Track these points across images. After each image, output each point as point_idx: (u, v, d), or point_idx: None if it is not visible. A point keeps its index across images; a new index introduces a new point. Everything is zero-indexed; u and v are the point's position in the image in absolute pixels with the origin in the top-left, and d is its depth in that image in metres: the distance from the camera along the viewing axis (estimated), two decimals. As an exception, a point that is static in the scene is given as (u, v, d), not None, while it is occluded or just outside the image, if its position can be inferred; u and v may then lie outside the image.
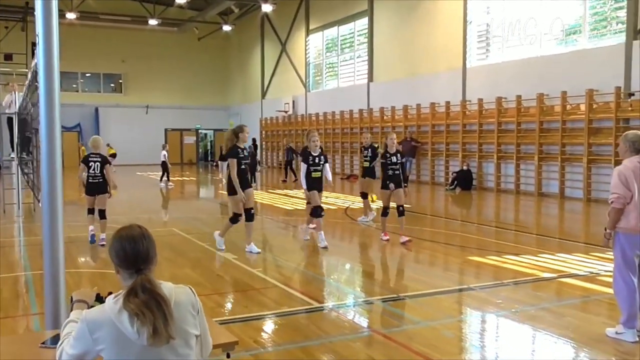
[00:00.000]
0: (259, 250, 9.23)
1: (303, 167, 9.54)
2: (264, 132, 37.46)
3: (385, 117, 25.67)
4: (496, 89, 19.94)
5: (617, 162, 5.31)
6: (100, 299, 2.71)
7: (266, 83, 37.84)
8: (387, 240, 9.98)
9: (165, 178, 23.28)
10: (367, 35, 27.35)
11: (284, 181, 23.93)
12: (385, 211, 9.96)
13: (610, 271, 6.69)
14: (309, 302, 6.53)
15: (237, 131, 8.90)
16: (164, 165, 23.41)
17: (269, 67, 37.29)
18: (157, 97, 40.28)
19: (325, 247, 9.44)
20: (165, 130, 40.63)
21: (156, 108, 40.21)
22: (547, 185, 18.46)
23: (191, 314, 2.43)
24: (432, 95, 22.71)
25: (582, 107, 17.03)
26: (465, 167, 20.63)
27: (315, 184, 9.62)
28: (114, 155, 33.36)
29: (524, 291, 6.96)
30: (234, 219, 9.10)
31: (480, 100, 20.52)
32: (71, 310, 2.67)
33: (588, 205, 16.08)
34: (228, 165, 8.86)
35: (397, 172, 9.81)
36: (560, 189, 17.73)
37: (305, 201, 11.55)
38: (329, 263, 8.87)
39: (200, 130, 42.61)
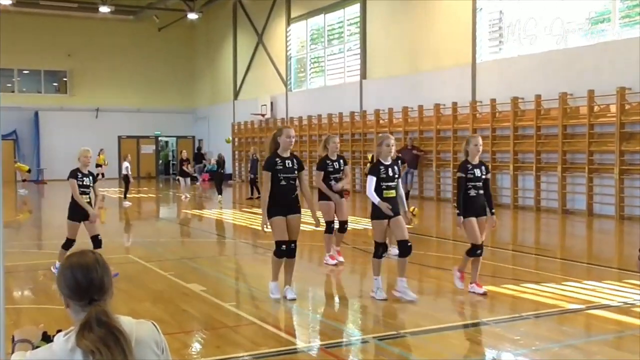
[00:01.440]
0: (295, 296, 8.19)
1: (371, 181, 8.05)
2: (236, 139, 37.47)
3: (381, 121, 25.81)
4: (511, 87, 20.17)
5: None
6: (47, 338, 2.72)
7: (239, 81, 37.94)
8: (485, 294, 8.33)
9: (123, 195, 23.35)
10: (359, 24, 27.55)
11: (250, 198, 24.03)
12: (475, 250, 8.40)
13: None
14: (291, 342, 6.55)
15: (277, 135, 8.11)
16: (126, 180, 23.46)
17: (242, 63, 37.42)
18: (109, 98, 40.26)
19: (412, 300, 8.00)
20: (119, 137, 40.57)
21: (108, 111, 40.15)
22: (572, 201, 18.64)
23: (154, 352, 2.46)
24: (436, 96, 22.92)
25: (613, 109, 17.27)
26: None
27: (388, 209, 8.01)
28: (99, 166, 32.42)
29: (546, 325, 7.03)
30: (277, 250, 8.12)
31: (493, 101, 20.74)
32: (12, 352, 2.69)
33: (621, 224, 16.25)
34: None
35: (481, 191, 8.36)
36: (588, 205, 17.92)
37: (324, 230, 10.50)
38: (315, 295, 8.89)
39: (160, 138, 42.59)
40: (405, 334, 6.75)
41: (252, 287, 9.37)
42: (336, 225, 10.58)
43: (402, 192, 8.28)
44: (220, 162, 24.37)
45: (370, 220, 8.22)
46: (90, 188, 9.53)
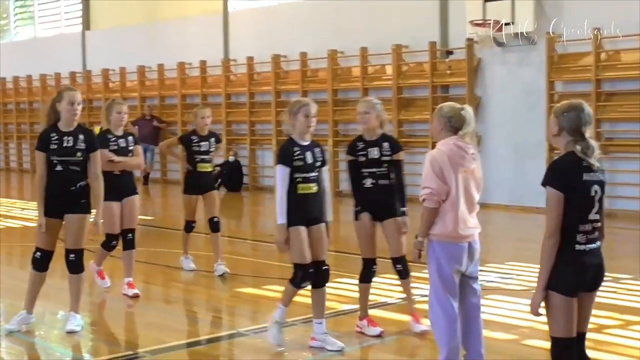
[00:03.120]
0: (76, 327, 7.41)
1: (281, 174, 6.66)
2: None
3: (110, 84, 25.38)
4: (272, 43, 20.65)
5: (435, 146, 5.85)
6: None
7: None
8: (381, 334, 7.15)
9: None
10: (78, -42, 26.79)
11: None
12: (370, 268, 7.30)
13: (427, 295, 7.36)
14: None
15: (55, 101, 7.26)
16: None
17: None
18: None
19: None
20: None
21: None
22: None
23: None
24: (181, 52, 22.87)
25: (389, 70, 18.40)
26: (232, 158, 21.05)
27: (305, 211, 6.73)
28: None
29: (317, 332, 7.37)
30: (33, 259, 7.39)
31: (250, 59, 21.14)
32: None
33: (411, 209, 17.37)
34: None
35: (381, 181, 7.16)
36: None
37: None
38: (37, 315, 8.55)
39: None
40: (146, 353, 6.75)
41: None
42: None
43: (326, 186, 6.98)
44: None
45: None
46: None
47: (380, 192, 7.12)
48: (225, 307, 8.58)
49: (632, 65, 14.88)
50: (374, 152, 7.10)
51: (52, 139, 7.14)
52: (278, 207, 6.59)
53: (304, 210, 6.66)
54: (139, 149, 9.15)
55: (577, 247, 4.61)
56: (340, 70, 19.49)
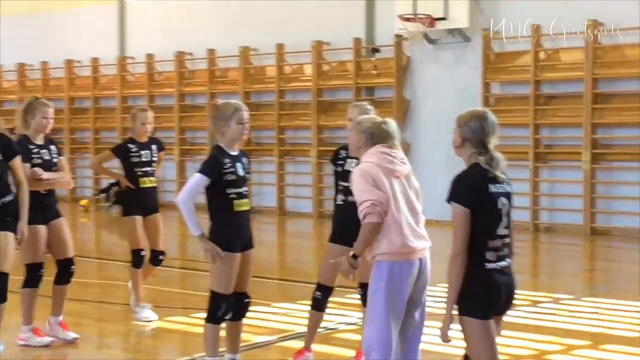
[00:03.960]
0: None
1: (196, 183, 6.40)
2: None
3: (-13, 85, 24.85)
4: (177, 39, 20.55)
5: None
6: None
7: None
8: None
9: None
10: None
11: None
12: (324, 296, 7.04)
13: (354, 323, 7.35)
14: None
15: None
16: None
17: None
18: None
19: None
20: None
21: None
22: (258, 195, 19.45)
23: None
24: (69, 49, 22.57)
25: (308, 70, 18.49)
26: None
27: (242, 233, 6.59)
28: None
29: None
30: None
31: (150, 57, 21.05)
32: None
33: (320, 224, 17.28)
34: None
35: (352, 198, 6.06)
36: (279, 200, 19.00)
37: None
38: None
39: None
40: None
41: None
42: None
43: None
44: None
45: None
46: None
47: (350, 210, 6.22)
48: (120, 343, 8.42)
49: (573, 65, 15.28)
50: (352, 164, 6.63)
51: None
52: (187, 217, 6.28)
53: (240, 231, 6.50)
54: (64, 161, 8.26)
55: (487, 265, 4.74)
56: (254, 70, 19.51)
